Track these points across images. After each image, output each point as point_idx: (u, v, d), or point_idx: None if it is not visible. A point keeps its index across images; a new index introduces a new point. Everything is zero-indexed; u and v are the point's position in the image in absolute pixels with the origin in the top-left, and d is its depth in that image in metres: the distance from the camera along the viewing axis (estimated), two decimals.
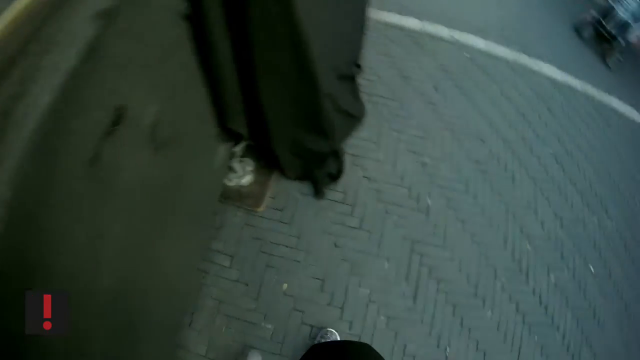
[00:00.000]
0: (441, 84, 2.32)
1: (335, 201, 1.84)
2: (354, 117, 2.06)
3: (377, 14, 2.50)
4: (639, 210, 2.82)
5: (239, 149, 1.75)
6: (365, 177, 1.89)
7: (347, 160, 1.92)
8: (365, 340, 1.69)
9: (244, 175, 1.85)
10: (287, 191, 1.86)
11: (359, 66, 2.14)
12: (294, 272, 1.73)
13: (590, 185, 2.51)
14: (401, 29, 2.58)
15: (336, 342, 1.23)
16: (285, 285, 1.71)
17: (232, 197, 1.85)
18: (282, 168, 1.81)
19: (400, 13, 2.67)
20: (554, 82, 2.83)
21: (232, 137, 1.56)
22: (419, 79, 2.30)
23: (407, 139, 2.02)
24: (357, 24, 2.04)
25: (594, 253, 2.41)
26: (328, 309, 1.70)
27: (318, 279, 1.73)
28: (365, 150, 1.95)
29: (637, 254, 2.74)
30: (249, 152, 1.83)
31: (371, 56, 2.27)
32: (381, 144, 1.98)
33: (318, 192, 1.86)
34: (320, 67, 1.35)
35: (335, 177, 1.90)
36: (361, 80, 2.13)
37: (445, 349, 1.79)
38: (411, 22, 2.65)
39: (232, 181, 1.86)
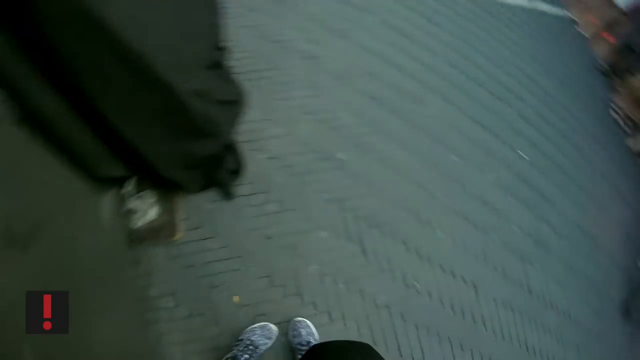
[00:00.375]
0: (314, 34, 2.34)
1: (249, 195, 1.82)
2: (235, 103, 2.02)
3: None
4: (550, 88, 3.09)
5: (129, 188, 1.67)
6: (269, 157, 1.88)
7: (244, 148, 1.89)
8: (336, 310, 1.72)
9: (148, 211, 1.77)
10: (198, 206, 1.81)
11: (223, 49, 2.09)
12: (239, 282, 1.70)
13: (495, 79, 2.69)
14: None
15: (336, 342, 1.25)
16: (237, 298, 1.69)
17: (146, 237, 1.77)
18: (182, 187, 1.76)
19: None
20: None
21: (113, 181, 1.48)
22: (290, 38, 2.29)
23: (298, 103, 2.02)
24: (207, 5, 1.98)
25: (521, 140, 2.62)
26: (287, 300, 1.70)
27: (264, 277, 1.72)
28: (260, 131, 1.93)
29: (561, 126, 3.02)
30: (143, 184, 1.75)
31: (234, 32, 2.21)
32: (274, 118, 1.97)
33: (228, 194, 1.83)
34: (172, 69, 1.29)
35: (238, 172, 1.87)
36: (231, 62, 2.09)
37: (415, 285, 1.88)
38: None
39: (139, 222, 1.78)
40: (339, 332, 1.71)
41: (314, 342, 1.56)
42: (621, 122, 3.66)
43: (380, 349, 1.75)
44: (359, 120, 2.05)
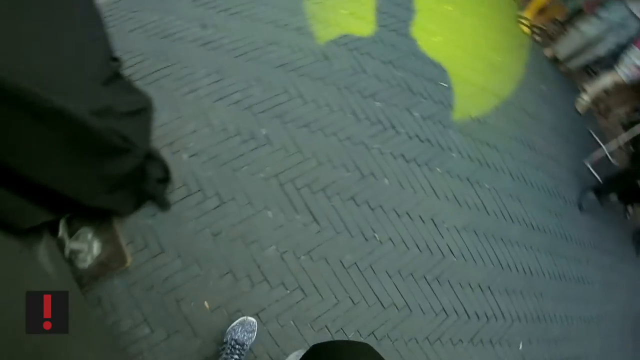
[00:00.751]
0: (206, 19, 2.34)
1: (184, 198, 1.83)
2: (142, 111, 2.00)
3: None
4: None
5: (63, 232, 1.63)
6: (193, 155, 1.88)
7: (165, 153, 1.88)
8: (307, 284, 1.79)
9: (90, 247, 1.74)
10: (137, 226, 1.79)
11: (116, 59, 2.06)
12: (203, 287, 1.72)
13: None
14: None
15: (336, 341, 1.30)
16: (206, 303, 1.71)
17: (98, 273, 1.73)
18: (115, 212, 1.74)
19: None
20: None
21: (44, 229, 1.43)
22: (182, 29, 2.28)
23: (205, 92, 2.03)
24: (87, 22, 1.93)
25: (435, 70, 2.81)
26: (255, 290, 1.74)
27: (226, 274, 1.74)
28: (175, 131, 1.93)
29: (482, 52, 3.26)
30: (76, 223, 1.71)
31: (124, 40, 2.19)
32: (185, 115, 1.97)
33: (163, 204, 1.82)
34: (63, 96, 1.26)
35: (166, 179, 1.87)
36: (128, 70, 2.06)
37: (374, 237, 1.99)
38: None
39: (86, 261, 1.74)
40: (317, 304, 1.78)
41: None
42: (535, 35, 4.01)
43: (361, 307, 1.88)
44: (271, 92, 2.10)
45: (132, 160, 1.64)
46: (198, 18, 2.36)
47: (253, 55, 2.23)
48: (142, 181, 1.78)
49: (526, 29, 3.94)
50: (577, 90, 3.87)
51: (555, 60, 3.89)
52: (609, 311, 3.20)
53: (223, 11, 2.39)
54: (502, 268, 2.43)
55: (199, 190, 1.84)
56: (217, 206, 1.83)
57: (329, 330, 1.78)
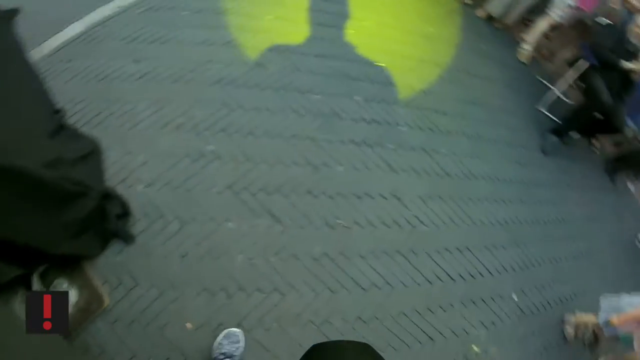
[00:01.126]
0: (138, 53, 2.40)
1: (147, 228, 1.87)
2: (91, 155, 2.06)
3: (38, 51, 2.44)
4: None
5: (36, 285, 1.66)
6: (147, 185, 1.93)
7: (121, 189, 1.93)
8: (282, 284, 1.83)
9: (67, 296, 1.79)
10: (108, 265, 1.82)
11: (59, 111, 2.11)
12: (182, 309, 1.74)
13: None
14: (68, 43, 2.56)
15: (335, 341, 1.33)
16: (189, 324, 1.75)
17: (80, 320, 1.77)
18: (84, 256, 1.78)
19: (55, 32, 2.63)
20: None
21: (16, 284, 1.47)
22: (116, 68, 2.34)
23: (148, 123, 2.09)
24: (27, 79, 1.99)
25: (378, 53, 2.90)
26: (233, 301, 1.77)
27: (202, 291, 1.78)
28: (126, 166, 1.97)
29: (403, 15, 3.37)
30: (48, 274, 1.75)
31: (62, 91, 2.23)
32: (133, 149, 2.02)
33: (127, 239, 1.87)
34: (12, 155, 1.32)
35: (126, 213, 1.92)
36: (72, 118, 2.12)
37: (340, 223, 2.03)
38: (71, 30, 2.64)
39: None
40: (296, 301, 1.82)
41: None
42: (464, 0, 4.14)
43: (341, 295, 1.93)
44: (212, 109, 2.16)
45: (89, 202, 1.70)
46: (130, 54, 2.42)
47: (189, 78, 2.30)
48: (104, 221, 1.83)
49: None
50: (517, 42, 4.01)
51: (490, 19, 4.02)
52: (597, 244, 3.29)
53: (152, 43, 2.46)
54: (477, 226, 2.50)
55: (160, 218, 1.89)
56: (180, 228, 1.87)
57: (314, 324, 1.81)
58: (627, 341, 2.34)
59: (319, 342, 1.00)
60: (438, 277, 2.20)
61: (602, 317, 2.50)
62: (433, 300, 2.13)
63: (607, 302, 2.50)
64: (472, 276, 2.35)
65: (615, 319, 2.35)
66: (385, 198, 2.20)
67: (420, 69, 3.02)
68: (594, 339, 2.69)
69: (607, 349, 2.64)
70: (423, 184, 2.38)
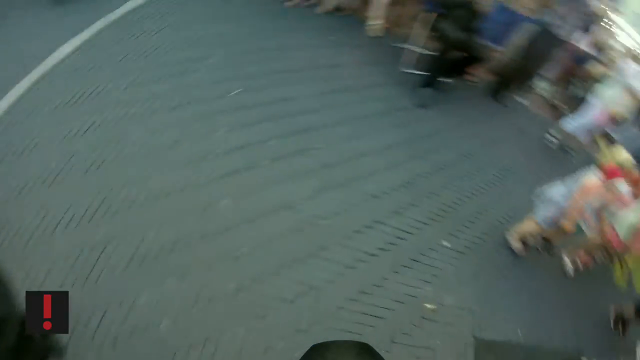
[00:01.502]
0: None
1: (73, 332, 1.77)
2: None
3: None
4: None
5: None
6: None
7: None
8: (213, 330, 1.86)
9: None
10: None
11: None
12: None
13: None
14: None
15: (336, 341, 1.33)
16: None
17: None
18: None
19: None
20: None
21: None
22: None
23: (39, 231, 2.03)
24: None
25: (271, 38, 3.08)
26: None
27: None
28: (34, 282, 1.88)
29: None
30: None
31: None
32: (32, 262, 1.93)
33: (59, 353, 1.85)
34: None
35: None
36: None
37: (241, 252, 2.11)
38: None
39: None
40: (231, 342, 1.85)
41: None
42: (302, 3, 4.31)
43: (270, 318, 1.97)
44: (90, 197, 2.19)
45: (14, 329, 1.70)
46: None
47: (60, 177, 2.27)
48: (32, 343, 1.82)
49: (290, 3, 4.28)
50: (364, 22, 4.28)
51: (338, 10, 4.30)
52: (509, 161, 3.58)
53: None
54: (378, 197, 2.65)
55: (79, 317, 1.85)
56: (101, 318, 1.83)
57: (256, 358, 1.85)
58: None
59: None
60: (359, 260, 2.31)
61: (540, 216, 2.65)
62: (363, 282, 2.23)
63: (539, 201, 2.68)
64: (392, 244, 2.47)
65: (566, 224, 2.49)
66: (277, 212, 2.32)
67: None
68: (546, 241, 2.84)
69: (565, 242, 2.80)
70: (309, 183, 2.52)
